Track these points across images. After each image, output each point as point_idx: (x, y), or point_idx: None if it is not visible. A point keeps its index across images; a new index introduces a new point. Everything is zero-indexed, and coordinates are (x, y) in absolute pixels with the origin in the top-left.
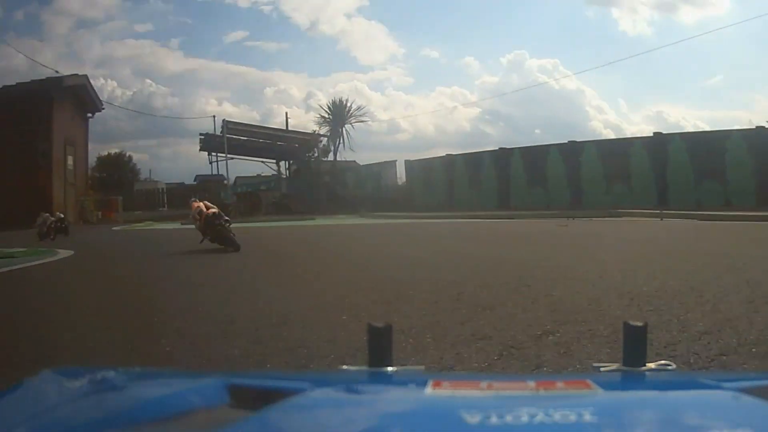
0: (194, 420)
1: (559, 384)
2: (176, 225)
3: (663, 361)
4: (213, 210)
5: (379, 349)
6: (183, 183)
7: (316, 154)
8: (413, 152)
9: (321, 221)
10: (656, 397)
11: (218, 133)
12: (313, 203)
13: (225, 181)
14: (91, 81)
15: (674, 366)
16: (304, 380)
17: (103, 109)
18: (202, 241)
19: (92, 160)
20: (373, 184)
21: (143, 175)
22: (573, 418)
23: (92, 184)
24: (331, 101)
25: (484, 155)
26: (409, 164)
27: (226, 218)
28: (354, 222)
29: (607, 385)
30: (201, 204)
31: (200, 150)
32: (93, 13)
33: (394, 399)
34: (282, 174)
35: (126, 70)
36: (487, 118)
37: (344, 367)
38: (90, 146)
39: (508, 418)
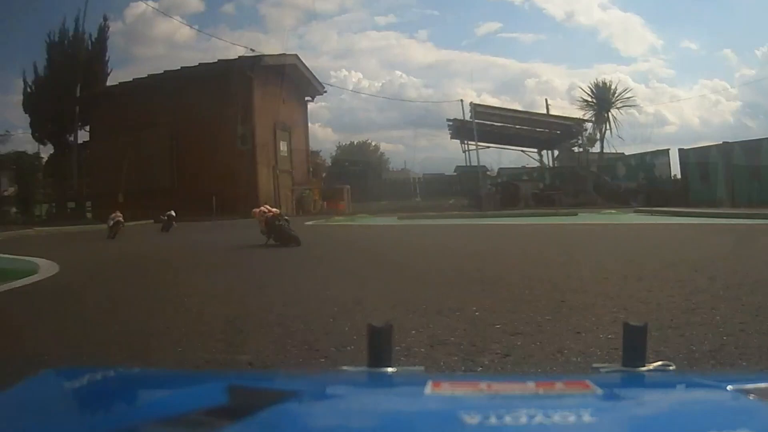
0: (194, 420)
1: (559, 385)
2: (392, 220)
3: (662, 362)
4: (273, 212)
5: (379, 349)
6: (442, 174)
7: (580, 142)
8: (680, 145)
9: (586, 218)
10: (656, 398)
11: (467, 118)
12: (578, 195)
13: (487, 171)
14: (332, 72)
15: (674, 366)
16: (303, 381)
17: (325, 92)
18: (267, 242)
19: (331, 148)
20: (643, 176)
21: (397, 166)
22: (572, 419)
23: (315, 171)
24: (593, 83)
25: (763, 143)
26: (683, 153)
27: (286, 218)
28: (633, 221)
29: (607, 386)
30: (262, 208)
31: (451, 138)
32: (325, 6)
33: (393, 400)
34: (546, 164)
35: (371, 62)
36: (748, 111)
37: (344, 367)
38: (335, 136)
39: (508, 419)
